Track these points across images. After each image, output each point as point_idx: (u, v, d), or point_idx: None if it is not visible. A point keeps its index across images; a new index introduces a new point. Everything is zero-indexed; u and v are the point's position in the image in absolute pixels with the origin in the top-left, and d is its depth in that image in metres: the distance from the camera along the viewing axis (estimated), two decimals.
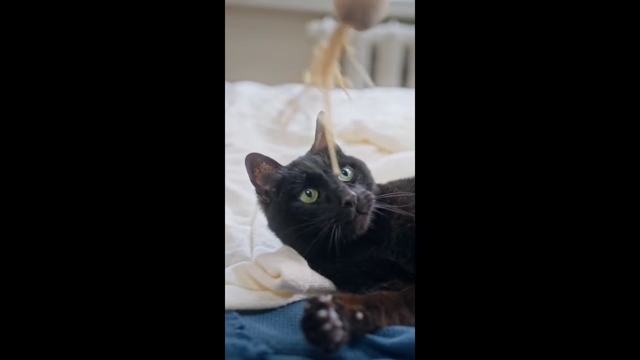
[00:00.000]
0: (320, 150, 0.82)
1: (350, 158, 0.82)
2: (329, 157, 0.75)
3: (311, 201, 0.74)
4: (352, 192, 0.71)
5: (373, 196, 0.74)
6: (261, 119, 1.52)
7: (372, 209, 0.73)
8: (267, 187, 0.79)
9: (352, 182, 0.77)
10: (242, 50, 2.35)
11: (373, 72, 2.45)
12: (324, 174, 0.74)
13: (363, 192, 0.73)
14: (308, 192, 0.74)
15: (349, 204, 0.70)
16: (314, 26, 2.35)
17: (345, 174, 0.77)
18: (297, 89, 1.88)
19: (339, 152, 0.83)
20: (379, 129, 1.28)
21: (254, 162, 0.79)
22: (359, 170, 0.79)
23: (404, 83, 2.43)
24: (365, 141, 1.30)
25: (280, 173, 0.78)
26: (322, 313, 0.56)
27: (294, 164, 0.79)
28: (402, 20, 2.37)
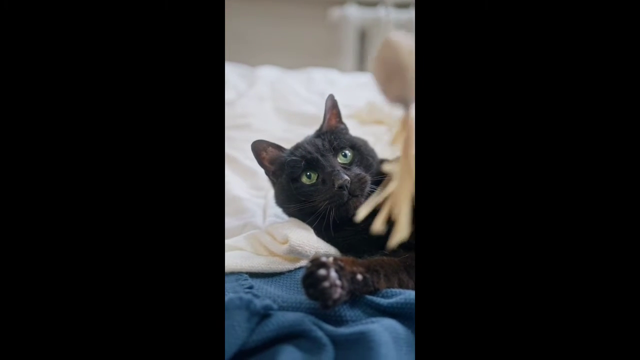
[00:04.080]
0: (326, 131, 0.86)
1: (350, 140, 0.85)
2: (328, 142, 0.81)
3: (311, 182, 0.80)
4: (345, 177, 0.75)
5: (368, 179, 0.78)
6: (279, 101, 1.56)
7: (366, 191, 0.77)
8: (273, 169, 0.86)
9: (349, 165, 0.81)
10: (265, 35, 2.40)
11: None
12: (321, 158, 0.79)
13: (357, 175, 0.77)
14: (308, 174, 0.80)
15: (341, 187, 0.75)
16: (335, 12, 2.38)
17: (345, 155, 0.82)
18: (316, 72, 1.91)
19: (343, 132, 0.87)
20: (392, 110, 1.31)
21: (259, 147, 0.85)
22: (358, 152, 0.83)
23: None
24: (379, 121, 1.32)
25: (283, 156, 0.84)
26: (322, 271, 0.60)
27: (297, 147, 0.84)
28: None
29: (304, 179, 0.80)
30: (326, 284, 0.60)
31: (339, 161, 0.81)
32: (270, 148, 0.86)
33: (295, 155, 0.81)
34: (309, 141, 0.84)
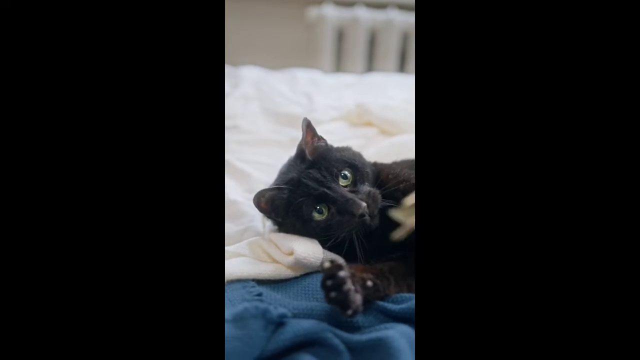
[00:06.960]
0: (315, 159, 0.83)
1: (343, 159, 0.82)
2: (325, 170, 0.79)
3: (323, 217, 0.77)
4: (362, 203, 0.74)
5: (377, 192, 0.78)
6: (265, 102, 1.54)
7: (379, 204, 0.77)
8: (273, 209, 0.82)
9: (353, 185, 0.80)
10: (245, 35, 2.37)
11: (372, 58, 2.49)
12: (328, 191, 0.77)
13: (368, 194, 0.77)
14: (318, 208, 0.78)
15: (362, 215, 0.74)
16: (313, 12, 2.38)
17: (345, 177, 0.80)
18: (299, 72, 1.91)
19: (330, 153, 0.84)
20: (381, 112, 1.31)
21: (259, 196, 0.82)
22: (356, 170, 0.82)
23: (402, 68, 2.47)
24: (369, 123, 1.32)
25: (284, 194, 0.80)
26: (343, 273, 0.61)
27: (297, 184, 0.80)
28: (401, 7, 2.40)
29: (316, 216, 0.78)
30: (347, 287, 0.60)
31: (342, 184, 0.80)
32: (268, 193, 0.82)
33: (300, 196, 0.78)
34: (305, 174, 0.80)
